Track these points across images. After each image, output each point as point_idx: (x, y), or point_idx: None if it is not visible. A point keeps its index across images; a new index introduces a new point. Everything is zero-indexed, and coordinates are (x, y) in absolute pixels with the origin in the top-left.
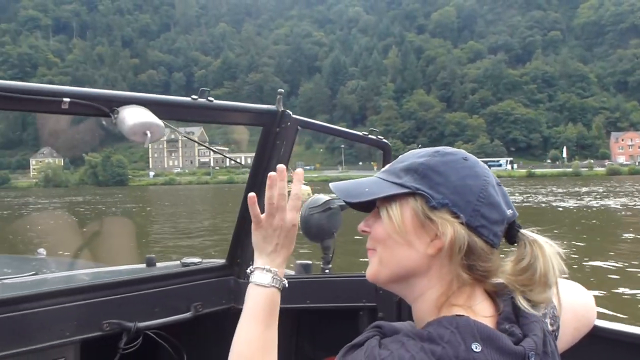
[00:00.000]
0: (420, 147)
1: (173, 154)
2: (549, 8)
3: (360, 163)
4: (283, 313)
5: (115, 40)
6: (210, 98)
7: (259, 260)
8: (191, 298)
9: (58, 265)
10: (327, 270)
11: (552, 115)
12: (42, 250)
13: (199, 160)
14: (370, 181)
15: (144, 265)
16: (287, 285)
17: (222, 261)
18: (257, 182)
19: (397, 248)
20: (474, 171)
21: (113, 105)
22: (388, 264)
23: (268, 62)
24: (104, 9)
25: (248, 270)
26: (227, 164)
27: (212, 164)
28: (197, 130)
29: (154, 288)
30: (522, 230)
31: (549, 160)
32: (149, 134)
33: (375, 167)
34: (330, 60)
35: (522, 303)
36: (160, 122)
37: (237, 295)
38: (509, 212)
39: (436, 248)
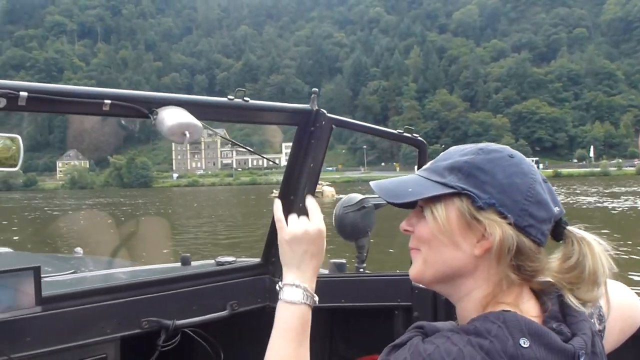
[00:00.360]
0: (443, 147)
1: (196, 156)
2: (574, 5)
3: (383, 164)
4: (317, 312)
5: (139, 44)
6: (246, 98)
7: (288, 275)
8: (227, 297)
9: (95, 264)
10: (361, 269)
11: (578, 114)
12: (78, 249)
13: (221, 161)
14: (412, 180)
15: (178, 264)
16: (317, 302)
17: (257, 260)
18: (292, 181)
19: (443, 249)
20: (521, 169)
21: (152, 106)
22: (433, 264)
23: (289, 63)
24: (127, 13)
25: (277, 287)
26: (250, 165)
27: (234, 166)
28: (220, 132)
29: (191, 286)
30: (569, 228)
31: (575, 160)
32: (187, 134)
33: (397, 168)
34: (352, 61)
35: (572, 300)
36: (198, 122)
37: (272, 294)
38: (556, 209)
39: (483, 249)
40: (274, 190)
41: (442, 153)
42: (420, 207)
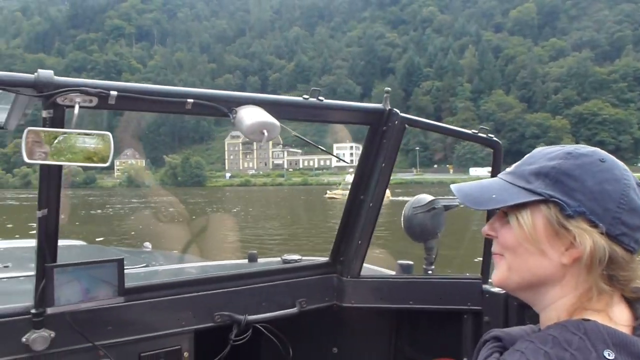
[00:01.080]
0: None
1: (248, 156)
2: None
3: (435, 166)
4: (383, 313)
5: (194, 46)
6: (320, 98)
7: None
8: (296, 294)
9: (164, 259)
10: (429, 271)
11: None
12: (147, 244)
13: (272, 162)
14: (496, 185)
15: (246, 261)
16: None
17: (325, 259)
18: (363, 180)
19: (529, 256)
20: (613, 174)
21: (231, 105)
22: (518, 271)
23: (341, 64)
24: (182, 16)
25: None
26: (301, 165)
27: (285, 166)
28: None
29: (261, 283)
30: None
31: None
32: (265, 133)
33: (451, 170)
34: (404, 61)
35: None
36: (276, 121)
37: (340, 293)
38: None
39: (572, 258)
40: (327, 191)
41: (526, 156)
42: (504, 211)
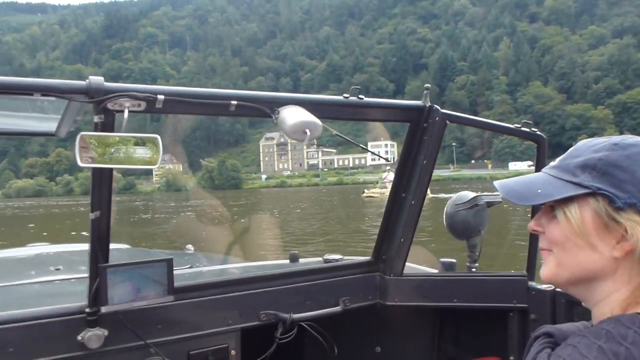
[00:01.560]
0: None
1: (283, 157)
2: None
3: (473, 161)
4: (425, 311)
5: (226, 50)
6: (360, 96)
7: None
8: (339, 293)
9: (207, 260)
10: (473, 269)
11: None
12: (190, 247)
13: (307, 162)
14: (541, 180)
15: (287, 261)
16: None
17: (367, 258)
18: (403, 178)
19: (578, 251)
20: None
21: (273, 105)
22: (567, 266)
23: (373, 62)
24: (214, 21)
25: None
26: (336, 165)
27: (320, 166)
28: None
29: (305, 282)
30: None
31: None
32: (308, 132)
33: (489, 166)
34: (437, 56)
35: None
36: (318, 120)
37: (383, 291)
38: None
39: (624, 251)
40: (365, 190)
41: (571, 149)
42: (550, 206)
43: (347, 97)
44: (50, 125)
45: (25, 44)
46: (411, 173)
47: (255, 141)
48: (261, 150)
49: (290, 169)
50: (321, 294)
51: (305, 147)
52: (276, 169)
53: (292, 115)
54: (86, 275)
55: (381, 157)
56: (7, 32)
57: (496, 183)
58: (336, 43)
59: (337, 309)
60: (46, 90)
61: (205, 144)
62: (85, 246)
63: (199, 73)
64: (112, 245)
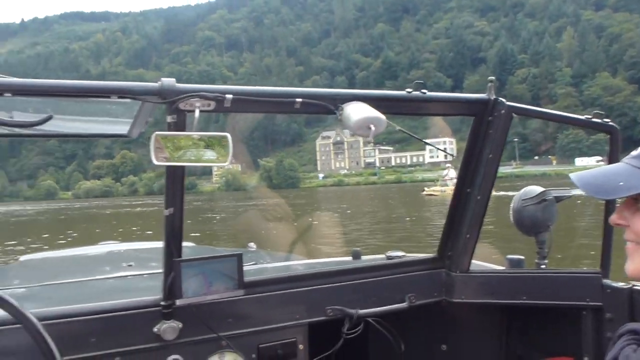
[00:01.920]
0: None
1: (339, 156)
2: None
3: (536, 157)
4: (492, 309)
5: (281, 51)
6: (423, 90)
7: None
8: (405, 289)
9: (270, 257)
10: (542, 266)
11: None
12: (252, 244)
13: (364, 160)
14: (622, 171)
15: (350, 258)
16: None
17: (432, 254)
18: (468, 174)
19: None
20: None
21: (337, 102)
22: None
23: (429, 57)
24: (268, 22)
25: None
26: (393, 163)
27: (377, 164)
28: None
29: (371, 278)
30: None
31: None
32: (373, 128)
33: (554, 162)
34: (496, 49)
35: None
36: (382, 116)
37: (449, 288)
38: None
39: None
40: (425, 188)
41: None
42: (634, 198)
43: (410, 92)
44: (121, 128)
45: (90, 51)
46: (476, 168)
47: (311, 140)
48: (318, 149)
49: (347, 167)
50: (386, 290)
51: (361, 145)
52: (333, 167)
53: (357, 111)
54: (157, 271)
55: (446, 152)
56: (74, 40)
57: (573, 176)
58: (391, 39)
59: (403, 305)
60: (122, 93)
61: (262, 143)
62: (153, 244)
63: (255, 74)
64: None
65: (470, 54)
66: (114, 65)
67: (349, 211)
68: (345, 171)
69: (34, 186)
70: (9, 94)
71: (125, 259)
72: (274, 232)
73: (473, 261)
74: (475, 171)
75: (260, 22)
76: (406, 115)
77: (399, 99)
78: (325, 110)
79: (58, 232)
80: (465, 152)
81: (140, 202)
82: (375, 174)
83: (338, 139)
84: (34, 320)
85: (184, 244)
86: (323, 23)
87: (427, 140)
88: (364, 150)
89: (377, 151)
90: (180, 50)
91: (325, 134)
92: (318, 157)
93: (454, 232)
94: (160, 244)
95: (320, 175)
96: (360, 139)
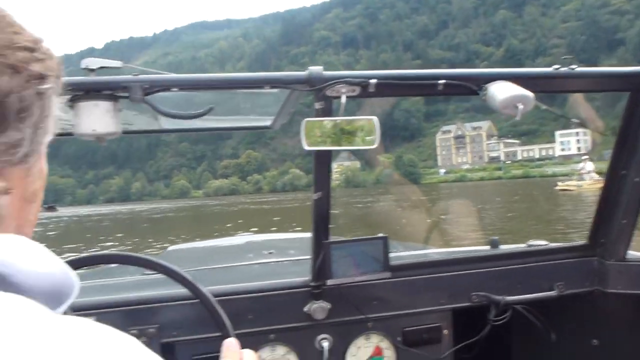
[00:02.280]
0: None
1: (460, 150)
2: None
3: None
4: (623, 298)
5: (397, 45)
6: (572, 66)
7: None
8: (553, 277)
9: (404, 248)
10: None
11: None
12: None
13: (488, 155)
14: None
15: (488, 247)
16: None
17: (581, 242)
18: (624, 153)
19: None
20: None
21: (480, 82)
22: None
23: (558, 42)
24: (384, 17)
25: None
26: (519, 157)
27: (502, 158)
28: (485, 125)
29: (516, 264)
30: None
31: None
32: (520, 106)
33: None
34: (637, 29)
35: None
36: (530, 93)
37: (602, 277)
38: None
39: None
40: (559, 183)
41: None
42: None
43: (557, 69)
44: (263, 120)
45: (215, 57)
46: (633, 147)
47: (430, 135)
48: (438, 144)
49: (470, 162)
50: (534, 277)
51: (484, 139)
52: (454, 162)
53: (502, 90)
54: (297, 257)
55: (605, 134)
56: (200, 48)
57: None
58: (514, 26)
59: (552, 293)
60: (273, 83)
61: (381, 139)
62: (289, 235)
63: (372, 70)
64: (293, 235)
65: (605, 36)
66: (237, 69)
67: (480, 206)
68: (468, 166)
69: (170, 186)
70: (176, 89)
71: (265, 247)
72: (408, 225)
73: (629, 251)
74: (632, 151)
75: (376, 18)
76: (553, 93)
77: (546, 76)
78: (469, 91)
79: (206, 225)
80: (619, 131)
81: (265, 200)
82: (500, 169)
83: (459, 132)
84: (211, 297)
85: (302, 235)
86: (440, 14)
87: (553, 135)
88: (487, 144)
89: (501, 145)
90: (298, 52)
91: (445, 128)
92: (438, 152)
93: (608, 217)
94: (295, 235)
95: (442, 171)
96: (483, 133)
